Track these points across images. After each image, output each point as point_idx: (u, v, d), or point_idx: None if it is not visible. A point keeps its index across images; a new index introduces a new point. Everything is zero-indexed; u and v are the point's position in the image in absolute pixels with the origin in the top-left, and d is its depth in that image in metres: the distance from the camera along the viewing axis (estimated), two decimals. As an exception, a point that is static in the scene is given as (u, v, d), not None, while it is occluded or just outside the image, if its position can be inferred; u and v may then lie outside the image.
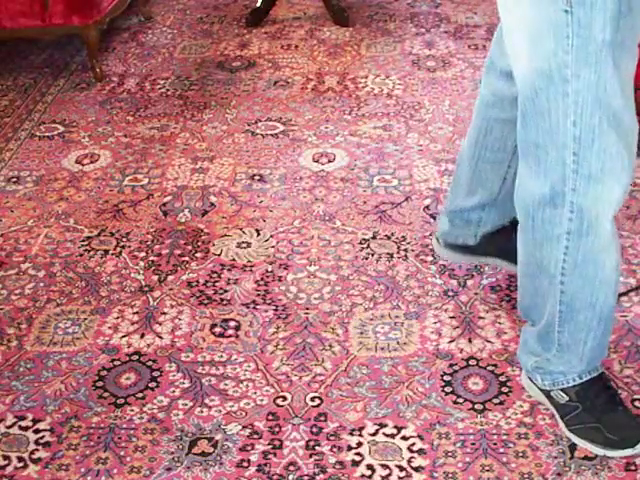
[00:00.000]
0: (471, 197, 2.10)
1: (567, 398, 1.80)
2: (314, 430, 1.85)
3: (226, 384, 1.98)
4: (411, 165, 2.80)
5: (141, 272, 2.36)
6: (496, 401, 1.90)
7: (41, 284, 2.33)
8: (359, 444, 1.81)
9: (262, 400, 1.93)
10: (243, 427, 1.86)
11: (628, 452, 1.74)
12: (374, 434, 1.83)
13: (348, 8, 4.05)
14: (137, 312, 2.21)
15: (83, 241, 2.50)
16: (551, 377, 1.82)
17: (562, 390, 1.81)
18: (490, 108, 1.98)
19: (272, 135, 3.03)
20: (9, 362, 2.07)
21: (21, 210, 2.66)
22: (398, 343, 2.07)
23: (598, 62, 1.49)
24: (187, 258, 2.41)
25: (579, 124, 1.55)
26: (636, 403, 1.87)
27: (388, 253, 2.39)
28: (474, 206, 2.11)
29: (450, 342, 2.07)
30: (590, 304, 1.72)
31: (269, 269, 2.35)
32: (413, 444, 1.81)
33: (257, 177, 2.78)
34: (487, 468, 1.74)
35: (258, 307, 2.21)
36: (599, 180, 1.59)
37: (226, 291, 2.27)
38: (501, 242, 2.12)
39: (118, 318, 2.19)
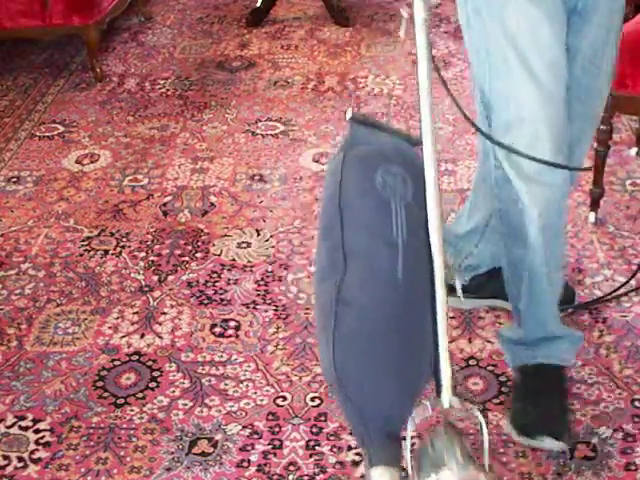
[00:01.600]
0: (468, 221, 2.07)
1: (520, 376, 1.87)
2: (314, 430, 1.85)
3: (226, 384, 1.98)
4: (411, 165, 2.79)
5: (141, 272, 2.36)
6: (496, 401, 1.90)
7: (41, 284, 2.33)
8: (359, 444, 1.81)
9: (262, 400, 1.93)
10: (243, 427, 1.86)
11: (533, 443, 1.76)
12: (374, 434, 1.83)
13: (348, 8, 4.05)
14: (137, 312, 2.21)
15: (83, 241, 2.50)
16: (510, 353, 1.89)
17: (516, 368, 1.88)
18: None
19: (272, 135, 3.03)
20: (9, 362, 2.07)
21: (21, 210, 2.66)
22: (398, 343, 2.07)
23: (477, 14, 1.62)
24: (187, 258, 2.41)
25: (476, 67, 1.68)
26: (636, 403, 1.87)
27: (388, 253, 2.38)
28: (468, 232, 2.07)
29: (450, 342, 2.06)
30: (524, 243, 1.74)
31: (269, 269, 2.35)
32: (413, 444, 1.80)
33: (257, 177, 2.78)
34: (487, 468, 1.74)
35: (258, 307, 2.21)
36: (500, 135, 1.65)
37: (226, 291, 2.27)
38: (495, 283, 2.08)
39: (118, 318, 2.19)
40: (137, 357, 2.07)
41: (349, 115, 1.55)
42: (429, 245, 1.38)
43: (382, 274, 1.34)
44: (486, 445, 1.34)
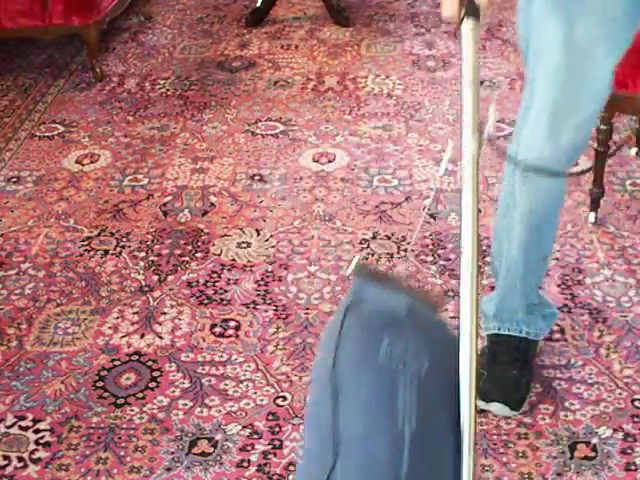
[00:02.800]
0: None
1: (486, 344, 1.95)
2: (314, 430, 1.84)
3: (226, 384, 1.98)
4: (411, 165, 2.80)
5: (141, 272, 2.36)
6: (496, 401, 1.90)
7: (41, 284, 2.33)
8: (359, 444, 1.81)
9: (262, 400, 1.93)
10: (243, 427, 1.86)
11: (484, 406, 1.84)
12: (374, 434, 1.83)
13: (348, 8, 4.05)
14: (137, 312, 2.21)
15: (83, 241, 2.50)
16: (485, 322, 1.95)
17: (488, 336, 1.95)
18: None
19: (272, 135, 3.03)
20: (9, 362, 2.07)
21: (21, 210, 2.66)
22: (398, 343, 2.07)
23: (549, 13, 1.58)
24: (187, 258, 2.41)
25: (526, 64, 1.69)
26: (636, 403, 1.87)
27: (388, 253, 2.39)
28: None
29: (450, 342, 2.07)
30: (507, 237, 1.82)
31: (269, 269, 2.35)
32: (413, 444, 1.80)
33: (257, 177, 2.78)
34: (487, 468, 1.74)
35: (258, 307, 2.21)
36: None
37: (226, 291, 2.27)
38: None
39: (118, 318, 2.19)
40: (137, 357, 2.07)
41: (353, 267, 1.25)
42: (453, 435, 1.10)
43: (381, 472, 1.08)
44: None
